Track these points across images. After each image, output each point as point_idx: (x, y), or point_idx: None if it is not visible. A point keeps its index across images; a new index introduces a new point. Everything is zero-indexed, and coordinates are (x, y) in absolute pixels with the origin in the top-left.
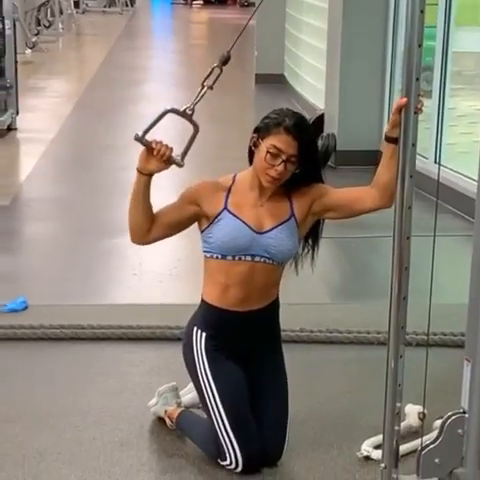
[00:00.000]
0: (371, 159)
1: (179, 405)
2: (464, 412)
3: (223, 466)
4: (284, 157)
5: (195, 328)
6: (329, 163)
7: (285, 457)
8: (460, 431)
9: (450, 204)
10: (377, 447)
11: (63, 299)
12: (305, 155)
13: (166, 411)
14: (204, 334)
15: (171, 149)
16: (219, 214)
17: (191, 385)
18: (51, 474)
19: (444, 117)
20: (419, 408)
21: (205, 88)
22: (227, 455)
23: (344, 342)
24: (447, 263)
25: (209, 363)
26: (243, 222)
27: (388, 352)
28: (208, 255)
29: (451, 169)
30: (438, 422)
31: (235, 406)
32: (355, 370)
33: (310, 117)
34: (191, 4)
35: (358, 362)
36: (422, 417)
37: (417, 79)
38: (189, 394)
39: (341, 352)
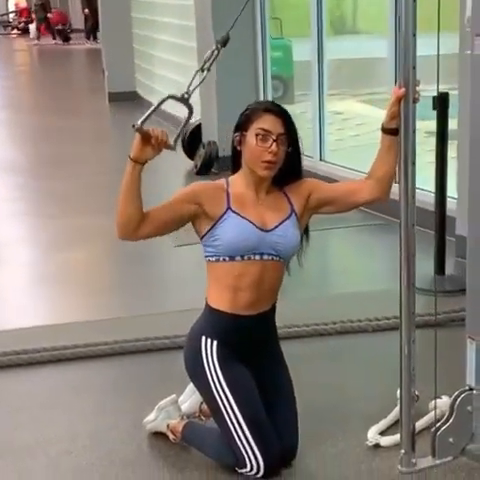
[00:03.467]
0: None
1: (182, 418)
2: (471, 389)
3: (241, 473)
4: (274, 137)
5: (204, 338)
6: (212, 169)
7: (297, 455)
8: (469, 408)
9: None
10: (382, 433)
11: None
12: (292, 132)
13: (168, 425)
14: (215, 342)
15: (166, 133)
16: (223, 215)
17: (184, 395)
18: None
19: (324, 119)
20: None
21: (205, 72)
22: (248, 461)
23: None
24: (353, 253)
25: (222, 372)
26: (249, 221)
27: (401, 338)
28: (213, 259)
29: (334, 164)
30: (434, 402)
31: (252, 412)
32: (326, 362)
33: (186, 128)
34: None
35: (326, 354)
36: (416, 399)
37: (414, 68)
38: (185, 404)
39: (307, 345)
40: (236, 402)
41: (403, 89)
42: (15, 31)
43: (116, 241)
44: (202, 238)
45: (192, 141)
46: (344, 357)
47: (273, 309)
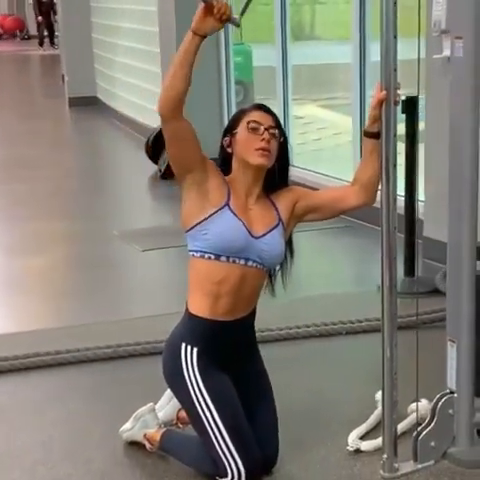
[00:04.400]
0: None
1: (160, 426)
2: (451, 392)
3: None
4: (265, 126)
5: (184, 344)
6: None
7: (278, 462)
8: (450, 411)
9: None
10: (362, 438)
11: None
12: (281, 130)
13: (145, 434)
14: (195, 349)
15: (230, 7)
16: (220, 209)
17: (161, 402)
18: None
19: (289, 123)
20: None
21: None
22: (228, 470)
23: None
24: (315, 256)
25: (202, 379)
26: (242, 223)
27: (383, 341)
28: (198, 255)
29: (298, 167)
30: (413, 406)
31: (233, 419)
32: (301, 366)
33: (150, 134)
34: None
35: (301, 357)
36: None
37: (395, 70)
38: (161, 411)
39: (281, 349)
40: (217, 409)
41: (384, 92)
42: None
43: (81, 245)
44: (190, 230)
45: (156, 145)
46: (319, 360)
47: (252, 315)
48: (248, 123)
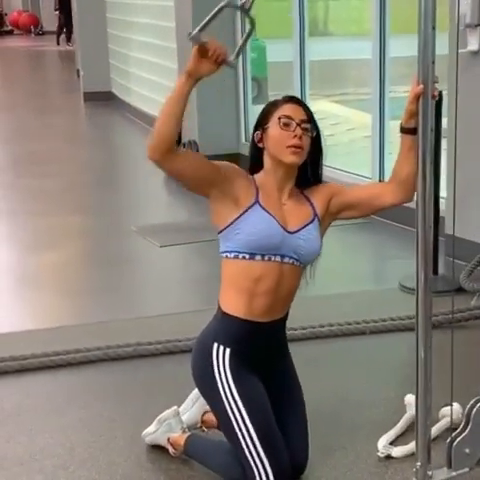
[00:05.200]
0: (232, 160)
1: (184, 431)
2: None
3: None
4: (297, 121)
5: (216, 344)
6: None
7: (307, 468)
8: None
9: None
10: (392, 443)
11: None
12: (313, 123)
13: (169, 438)
14: (228, 350)
15: (225, 49)
16: (251, 206)
17: (185, 405)
18: None
19: None
20: None
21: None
22: (256, 474)
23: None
24: (337, 252)
25: (234, 381)
26: (274, 218)
27: (417, 342)
28: (231, 256)
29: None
30: (444, 410)
31: (264, 424)
32: (325, 366)
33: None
34: None
35: (325, 357)
36: None
37: (433, 63)
38: (186, 414)
39: (305, 348)
40: (248, 413)
41: (421, 86)
42: None
43: (98, 240)
44: (223, 231)
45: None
46: (344, 361)
47: (286, 316)
48: (279, 118)
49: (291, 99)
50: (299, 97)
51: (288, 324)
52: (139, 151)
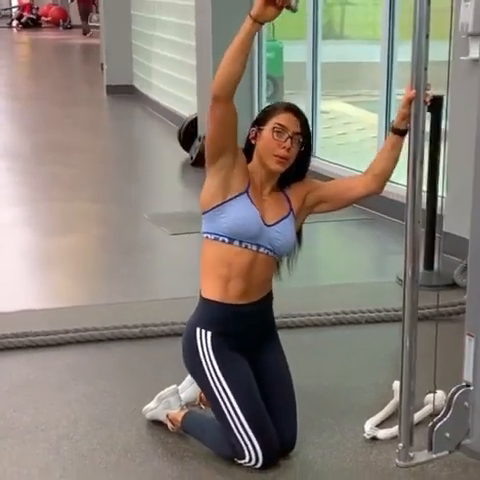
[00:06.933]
0: None
1: (182, 408)
2: (468, 385)
3: (240, 464)
4: (290, 133)
5: (198, 329)
6: None
7: (295, 446)
8: (466, 404)
9: None
10: (378, 426)
11: None
12: (307, 135)
13: (168, 415)
14: (209, 333)
15: None
16: (240, 194)
17: (184, 383)
18: None
19: (317, 118)
20: None
21: None
22: (246, 452)
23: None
24: (339, 245)
25: (217, 362)
26: (258, 210)
27: (403, 332)
28: (212, 237)
29: (323, 160)
30: (429, 396)
31: (249, 401)
32: (320, 352)
33: (183, 122)
34: (17, 27)
35: (320, 344)
36: None
37: (425, 69)
38: (185, 391)
39: (302, 335)
40: (234, 394)
41: (414, 91)
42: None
43: (112, 227)
44: (209, 211)
45: (188, 134)
46: (339, 348)
47: (268, 298)
48: (274, 126)
49: (291, 109)
50: (298, 107)
51: (286, 311)
52: (157, 143)
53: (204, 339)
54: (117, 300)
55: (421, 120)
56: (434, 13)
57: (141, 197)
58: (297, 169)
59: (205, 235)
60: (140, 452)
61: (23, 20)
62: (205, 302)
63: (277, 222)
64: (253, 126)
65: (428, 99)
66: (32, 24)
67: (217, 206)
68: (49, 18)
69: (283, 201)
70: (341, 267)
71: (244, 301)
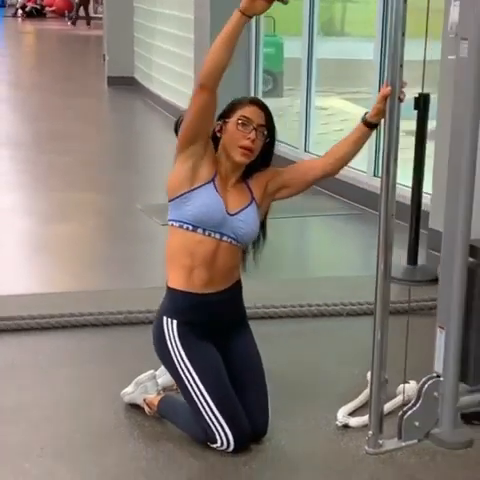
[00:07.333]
0: None
1: (159, 393)
2: (438, 376)
3: (213, 448)
4: (254, 125)
5: (165, 318)
6: None
7: (268, 432)
8: (436, 394)
9: (322, 187)
10: (351, 414)
11: None
12: (271, 128)
13: (145, 399)
14: (175, 321)
15: None
16: (206, 183)
17: (162, 368)
18: (41, 470)
19: (311, 113)
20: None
21: None
22: (217, 436)
23: (282, 316)
24: (328, 239)
25: (184, 348)
26: (222, 200)
27: (374, 324)
28: (177, 225)
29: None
30: (402, 387)
31: (217, 385)
32: (301, 343)
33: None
34: (21, 17)
35: (301, 335)
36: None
37: (401, 66)
38: (162, 377)
39: (283, 325)
40: (201, 379)
41: (389, 88)
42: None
43: (107, 216)
44: (175, 199)
45: None
46: (318, 338)
47: (236, 287)
48: (239, 118)
49: (256, 102)
50: (262, 100)
51: (270, 303)
52: (155, 135)
53: (171, 327)
54: (105, 287)
55: (396, 116)
56: (432, 13)
57: (137, 187)
58: (261, 162)
59: (170, 222)
60: (117, 434)
61: (27, 9)
62: (171, 291)
63: (240, 211)
64: (219, 119)
65: (403, 96)
66: (36, 14)
67: (184, 194)
68: (54, 8)
69: (245, 191)
70: (327, 261)
71: (210, 290)
